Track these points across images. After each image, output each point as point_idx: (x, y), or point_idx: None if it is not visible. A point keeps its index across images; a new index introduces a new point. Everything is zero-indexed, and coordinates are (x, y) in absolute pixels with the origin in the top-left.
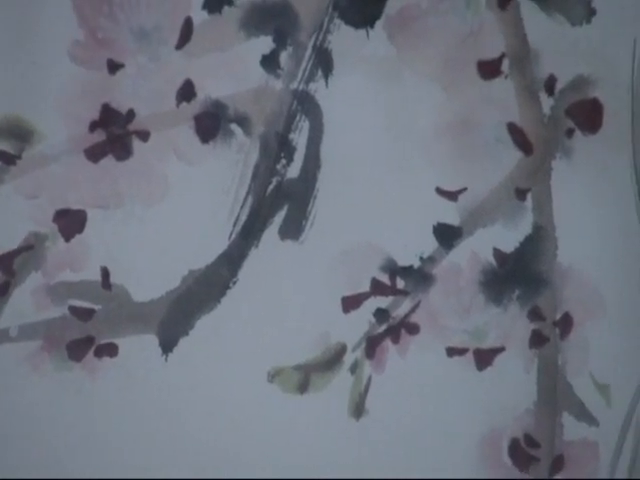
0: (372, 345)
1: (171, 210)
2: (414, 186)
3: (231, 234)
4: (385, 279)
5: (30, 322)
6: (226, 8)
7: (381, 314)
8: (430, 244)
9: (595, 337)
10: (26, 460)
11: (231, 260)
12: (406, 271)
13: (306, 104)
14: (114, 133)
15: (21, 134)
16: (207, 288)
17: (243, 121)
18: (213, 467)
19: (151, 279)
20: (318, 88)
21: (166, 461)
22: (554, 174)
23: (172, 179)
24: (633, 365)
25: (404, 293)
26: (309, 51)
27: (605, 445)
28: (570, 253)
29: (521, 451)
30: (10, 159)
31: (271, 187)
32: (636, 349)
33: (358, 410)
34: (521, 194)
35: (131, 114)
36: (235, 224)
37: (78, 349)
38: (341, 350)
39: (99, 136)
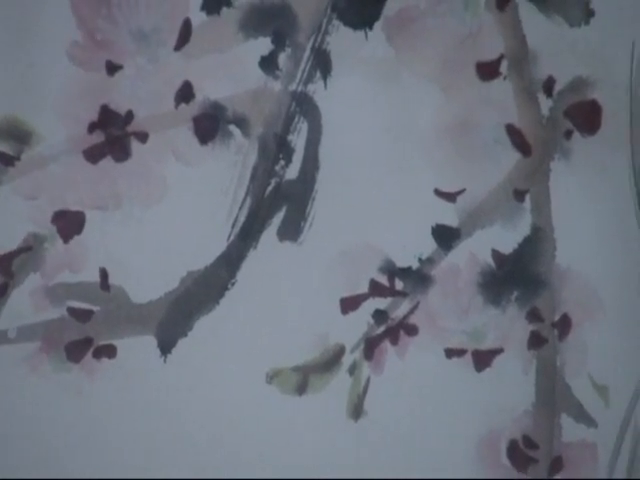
0: (371, 346)
1: (170, 211)
2: (413, 187)
3: (230, 235)
4: (384, 280)
5: (29, 323)
6: (225, 9)
7: (380, 315)
8: (429, 245)
9: (594, 338)
10: (25, 461)
11: (230, 261)
12: (405, 272)
13: (305, 105)
14: (113, 134)
15: (20, 135)
16: (206, 289)
17: (242, 122)
18: (212, 467)
19: (150, 280)
20: (317, 89)
21: (165, 462)
22: (552, 175)
23: (171, 180)
24: (631, 366)
25: (403, 294)
26: (308, 52)
27: (603, 446)
28: (569, 254)
29: (520, 452)
30: (9, 160)
31: (270, 188)
32: (634, 350)
33: (357, 411)
34: (519, 195)
35: (130, 115)
36: (234, 225)
37: (77, 350)
38: (340, 351)
39: (98, 137)
